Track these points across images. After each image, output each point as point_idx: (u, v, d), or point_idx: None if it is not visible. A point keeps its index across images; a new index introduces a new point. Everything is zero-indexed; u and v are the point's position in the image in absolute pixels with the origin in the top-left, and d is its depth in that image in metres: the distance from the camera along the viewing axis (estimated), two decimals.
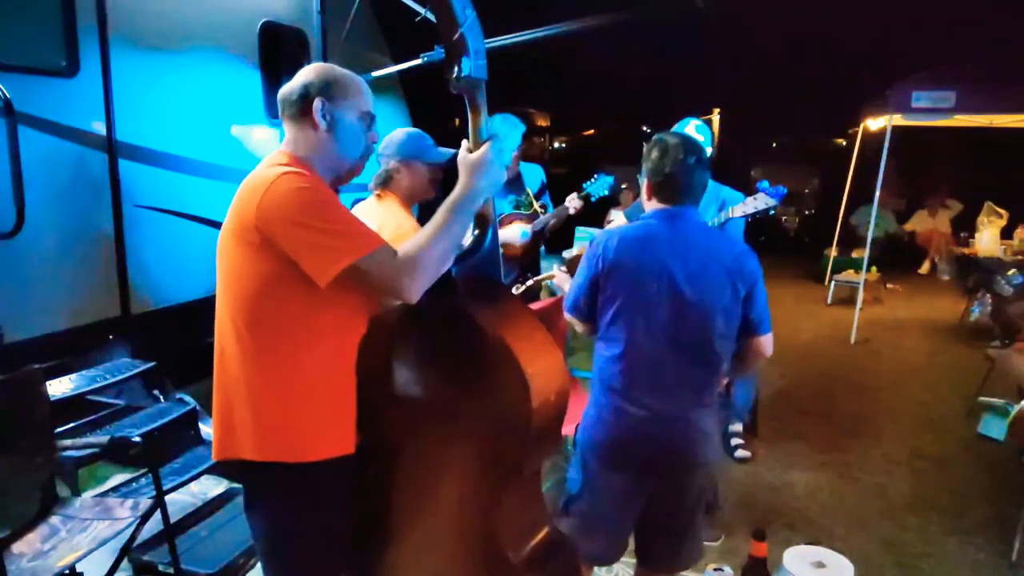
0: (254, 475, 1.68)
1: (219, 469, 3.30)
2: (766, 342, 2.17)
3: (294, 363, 1.62)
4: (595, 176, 3.88)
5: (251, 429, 1.63)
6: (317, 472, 1.64)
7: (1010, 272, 1.78)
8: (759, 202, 2.79)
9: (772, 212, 2.80)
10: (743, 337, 2.15)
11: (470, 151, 1.67)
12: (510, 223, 3.83)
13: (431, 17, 1.63)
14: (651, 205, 2.18)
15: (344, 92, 1.68)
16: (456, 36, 1.58)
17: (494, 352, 1.63)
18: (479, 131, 1.69)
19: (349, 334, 1.68)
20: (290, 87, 1.69)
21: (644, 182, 2.20)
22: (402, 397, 1.77)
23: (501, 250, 1.93)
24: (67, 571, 2.18)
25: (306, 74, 1.69)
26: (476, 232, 1.81)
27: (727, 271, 2.06)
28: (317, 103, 1.65)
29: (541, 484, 1.88)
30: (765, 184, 2.84)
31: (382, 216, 2.50)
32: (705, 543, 3.18)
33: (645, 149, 2.18)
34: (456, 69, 1.59)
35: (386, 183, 2.59)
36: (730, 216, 2.89)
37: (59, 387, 3.04)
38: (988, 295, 1.77)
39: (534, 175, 4.09)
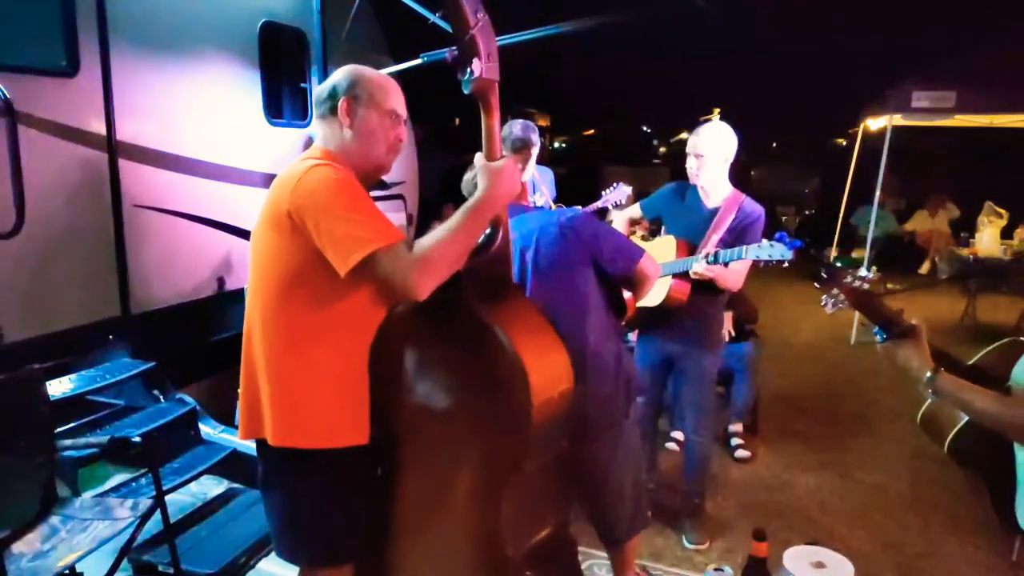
0: (271, 456, 1.75)
1: (219, 469, 3.30)
2: (644, 270, 2.28)
3: (313, 353, 1.68)
4: (614, 185, 3.73)
5: (270, 414, 1.71)
6: (331, 459, 1.71)
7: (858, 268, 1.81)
8: (775, 251, 2.75)
9: (785, 264, 2.76)
10: (622, 283, 2.33)
11: (487, 157, 1.69)
12: None
13: (441, 24, 1.63)
14: None
15: (368, 92, 1.76)
16: (467, 38, 1.59)
17: (496, 348, 1.64)
18: (492, 131, 1.69)
19: (366, 328, 1.74)
20: (321, 87, 1.80)
21: None
22: (410, 391, 1.79)
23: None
24: (67, 571, 2.18)
25: (336, 75, 1.79)
26: (488, 231, 1.81)
27: (562, 234, 2.23)
28: (342, 103, 1.74)
29: (547, 482, 1.88)
30: (784, 236, 2.79)
31: None
32: (692, 547, 3.19)
33: None
34: (468, 71, 1.60)
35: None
36: (743, 257, 2.82)
37: (59, 387, 3.04)
38: (838, 290, 1.83)
39: (548, 178, 4.07)
